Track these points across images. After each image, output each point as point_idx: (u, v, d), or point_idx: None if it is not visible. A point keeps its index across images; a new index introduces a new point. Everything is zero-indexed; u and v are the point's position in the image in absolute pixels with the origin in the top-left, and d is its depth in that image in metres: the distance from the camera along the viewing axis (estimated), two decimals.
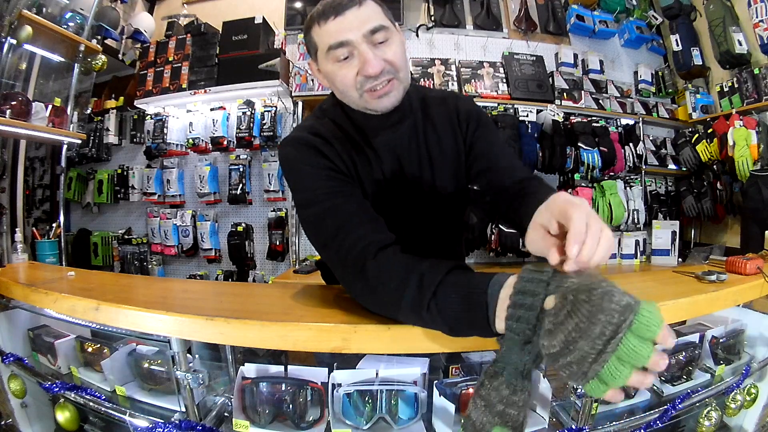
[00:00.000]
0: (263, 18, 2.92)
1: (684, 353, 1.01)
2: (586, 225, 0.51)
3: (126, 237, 3.20)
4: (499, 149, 0.93)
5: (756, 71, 2.73)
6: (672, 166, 3.18)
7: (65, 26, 2.36)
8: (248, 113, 2.87)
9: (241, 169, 2.93)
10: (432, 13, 3.01)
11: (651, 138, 3.22)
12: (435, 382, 0.83)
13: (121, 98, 3.19)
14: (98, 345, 1.02)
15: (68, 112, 2.43)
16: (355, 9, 0.73)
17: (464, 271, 0.62)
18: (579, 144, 2.86)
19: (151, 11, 3.33)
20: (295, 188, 0.81)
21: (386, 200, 0.87)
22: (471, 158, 0.92)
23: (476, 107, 0.96)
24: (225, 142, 2.91)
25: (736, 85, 2.85)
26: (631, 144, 3.02)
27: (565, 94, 2.99)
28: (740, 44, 2.78)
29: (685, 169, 3.14)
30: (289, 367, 0.83)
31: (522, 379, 0.53)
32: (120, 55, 3.13)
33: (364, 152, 0.85)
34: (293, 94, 2.86)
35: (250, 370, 0.83)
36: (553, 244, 0.54)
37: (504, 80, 2.96)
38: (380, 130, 0.85)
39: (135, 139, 3.19)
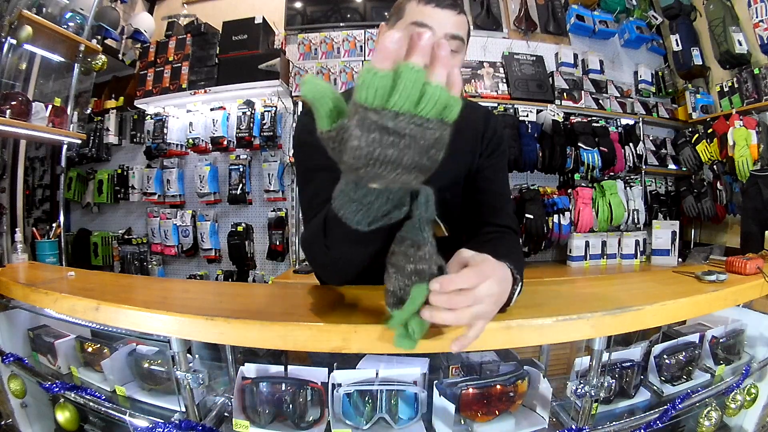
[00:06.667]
0: (263, 18, 2.92)
1: (684, 353, 1.01)
2: (468, 279, 0.53)
3: (126, 237, 3.20)
4: (501, 187, 0.97)
5: (756, 71, 2.73)
6: (672, 166, 3.19)
7: (65, 26, 2.36)
8: (248, 113, 2.87)
9: (241, 169, 2.93)
10: None
11: (651, 138, 3.23)
12: (435, 382, 0.83)
13: (121, 98, 3.19)
14: (98, 345, 1.02)
15: (68, 112, 2.43)
16: (453, 12, 0.82)
17: None
18: (579, 144, 2.86)
19: (151, 11, 3.33)
20: (298, 154, 0.93)
21: None
22: (474, 178, 0.95)
23: (504, 132, 1.01)
24: (225, 142, 2.91)
25: (736, 85, 2.85)
26: (631, 144, 3.03)
27: (565, 94, 2.99)
28: (740, 44, 2.78)
29: (685, 169, 3.14)
30: (289, 367, 0.83)
31: (421, 232, 0.54)
32: (120, 55, 3.13)
33: None
34: (293, 94, 2.86)
35: (250, 370, 0.83)
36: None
37: (504, 80, 2.96)
38: None
39: (135, 139, 3.19)
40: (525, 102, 2.93)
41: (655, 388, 0.99)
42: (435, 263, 0.54)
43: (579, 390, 0.83)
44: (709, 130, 2.96)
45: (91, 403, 0.94)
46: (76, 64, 2.52)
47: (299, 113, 0.94)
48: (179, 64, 2.96)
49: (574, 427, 0.84)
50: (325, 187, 0.80)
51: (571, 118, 2.97)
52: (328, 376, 0.81)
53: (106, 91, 3.25)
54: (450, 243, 1.04)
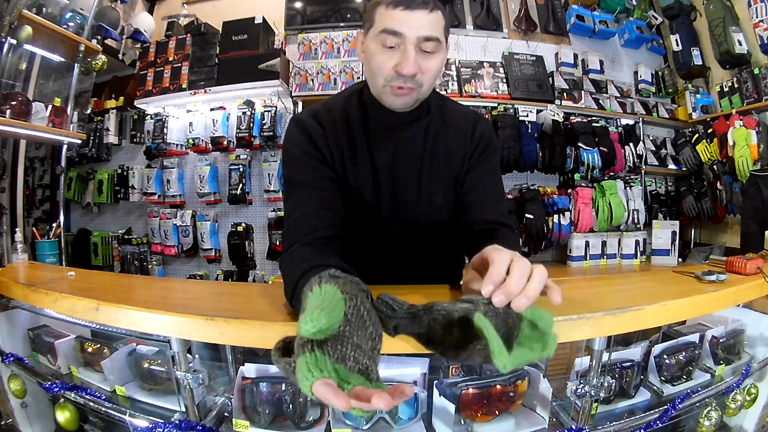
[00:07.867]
0: (263, 18, 2.92)
1: (684, 353, 1.01)
2: (507, 266, 0.54)
3: (126, 237, 3.20)
4: (491, 186, 0.96)
5: (756, 71, 2.73)
6: (672, 166, 3.18)
7: (65, 26, 2.36)
8: (248, 113, 2.87)
9: (241, 169, 2.93)
10: None
11: (651, 138, 3.23)
12: (435, 382, 0.83)
13: (121, 98, 3.19)
14: (98, 345, 1.02)
15: (68, 112, 2.43)
16: (424, 12, 0.76)
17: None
18: (579, 144, 2.86)
19: (151, 11, 3.33)
20: (284, 164, 0.93)
21: (369, 198, 0.91)
22: (463, 179, 0.95)
23: (493, 134, 0.99)
24: (225, 142, 2.91)
25: (736, 85, 2.85)
26: (631, 144, 3.02)
27: (565, 94, 2.99)
28: (740, 44, 2.78)
29: (685, 169, 3.14)
30: None
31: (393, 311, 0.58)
32: (120, 55, 3.13)
33: (357, 147, 0.90)
34: (293, 94, 2.86)
35: (250, 370, 0.83)
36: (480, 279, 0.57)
37: (504, 80, 2.96)
38: (389, 128, 0.90)
39: (135, 139, 3.19)
40: (525, 102, 2.92)
41: (655, 388, 0.99)
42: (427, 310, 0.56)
43: (579, 390, 0.83)
44: (709, 130, 2.96)
45: (91, 403, 0.94)
46: (76, 64, 2.52)
47: (290, 121, 0.96)
48: (179, 64, 2.96)
49: (574, 427, 0.84)
50: (304, 203, 0.85)
51: (571, 118, 2.97)
52: None
53: (106, 91, 3.25)
54: (442, 246, 1.04)
